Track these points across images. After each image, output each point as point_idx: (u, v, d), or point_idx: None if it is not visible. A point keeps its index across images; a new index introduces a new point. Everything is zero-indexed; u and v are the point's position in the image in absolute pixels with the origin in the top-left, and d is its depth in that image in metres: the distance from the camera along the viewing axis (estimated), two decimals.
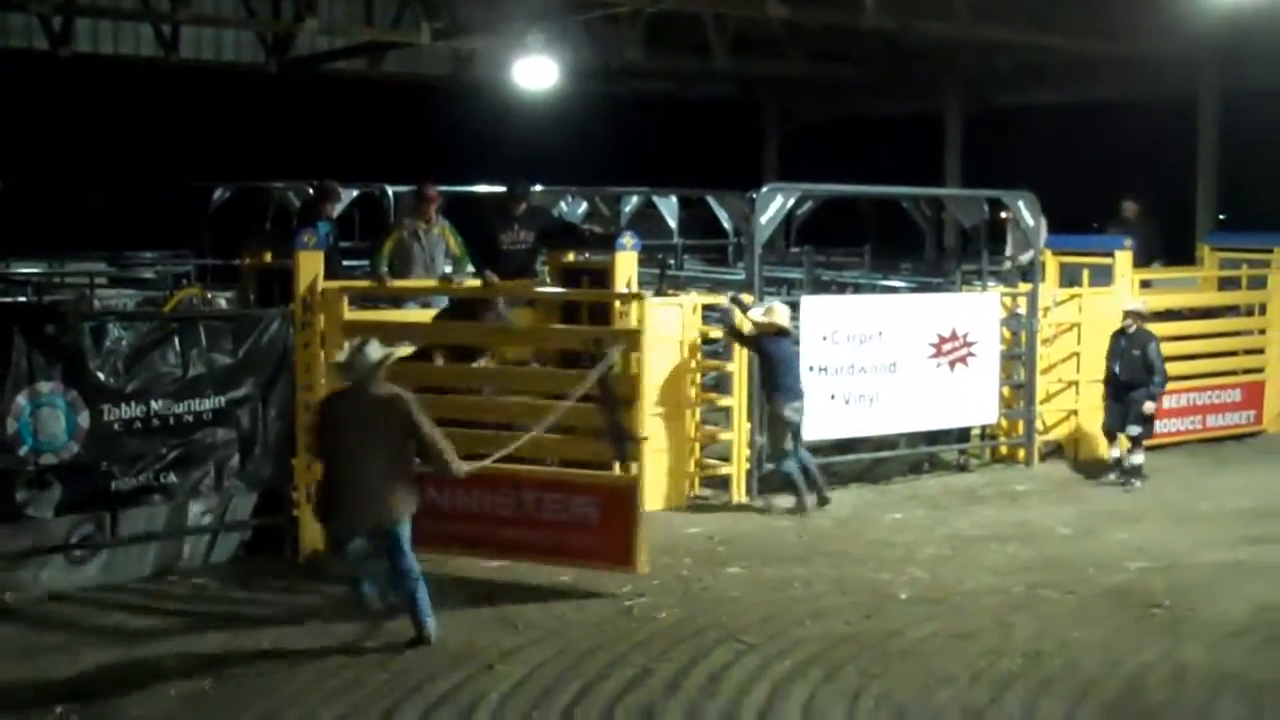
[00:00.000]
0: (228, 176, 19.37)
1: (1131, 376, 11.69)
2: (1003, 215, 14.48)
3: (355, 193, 16.38)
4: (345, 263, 13.44)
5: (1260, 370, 14.11)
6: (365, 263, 12.88)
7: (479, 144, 20.85)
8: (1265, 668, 7.09)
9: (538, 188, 12.30)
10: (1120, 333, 11.86)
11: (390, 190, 15.05)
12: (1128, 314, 11.88)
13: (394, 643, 7.35)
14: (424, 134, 21.41)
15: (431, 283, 11.06)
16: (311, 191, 13.28)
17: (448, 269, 11.42)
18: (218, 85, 21.02)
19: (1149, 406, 11.67)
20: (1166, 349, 13.53)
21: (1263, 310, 14.27)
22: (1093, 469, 12.04)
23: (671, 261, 17.44)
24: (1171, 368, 13.49)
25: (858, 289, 14.91)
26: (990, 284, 13.16)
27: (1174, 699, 6.65)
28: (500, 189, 11.57)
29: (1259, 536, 9.85)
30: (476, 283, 10.56)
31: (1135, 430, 11.66)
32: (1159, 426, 13.26)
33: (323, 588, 8.30)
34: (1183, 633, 7.66)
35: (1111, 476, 11.70)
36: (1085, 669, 7.03)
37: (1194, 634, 7.65)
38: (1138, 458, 11.64)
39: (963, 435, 12.36)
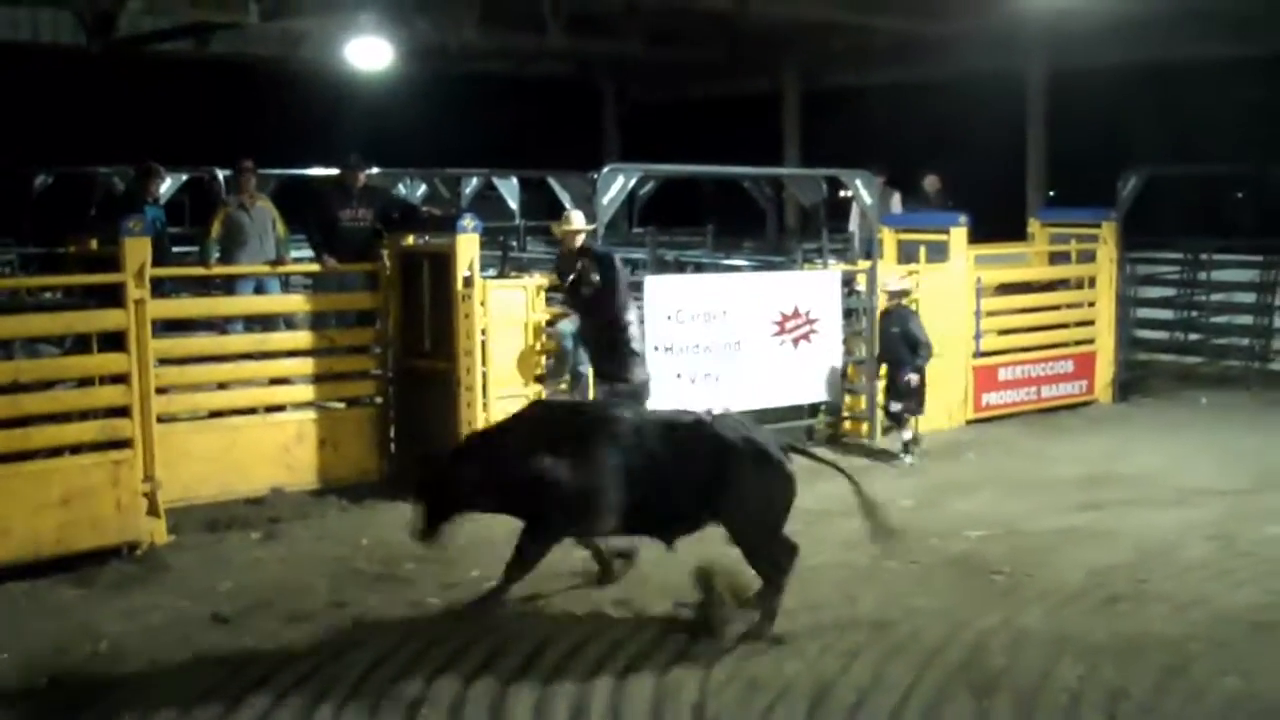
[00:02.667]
0: (50, 161, 18.64)
1: (894, 355, 11.77)
2: (841, 194, 14.65)
3: (184, 177, 15.89)
4: (175, 248, 13.06)
5: (1091, 341, 14.50)
6: (195, 249, 12.55)
7: (313, 126, 20.39)
8: (1100, 630, 7.25)
9: (375, 170, 12.06)
10: (885, 313, 11.97)
11: (220, 174, 14.61)
12: (887, 293, 11.97)
13: None
14: (256, 117, 20.87)
15: (262, 267, 10.82)
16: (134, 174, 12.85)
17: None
18: (37, 67, 20.20)
19: (913, 379, 11.65)
20: (1002, 322, 13.90)
21: (1092, 283, 14.67)
22: (932, 442, 12.22)
23: (513, 243, 17.30)
24: (1007, 341, 13.87)
25: (700, 268, 14.94)
26: (831, 262, 13.31)
27: (1015, 662, 6.76)
28: (333, 171, 11.38)
29: (1092, 503, 10.10)
30: (309, 266, 10.35)
31: (895, 406, 11.71)
32: (996, 398, 13.61)
33: None
34: (1022, 598, 7.81)
35: (908, 460, 11.59)
36: (930, 637, 7.11)
37: (1032, 599, 7.81)
38: (906, 433, 11.64)
39: (811, 411, 12.46)
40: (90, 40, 18.79)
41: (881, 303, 11.98)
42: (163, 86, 21.39)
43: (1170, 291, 17.34)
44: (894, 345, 11.76)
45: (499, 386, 10.41)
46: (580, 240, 10.60)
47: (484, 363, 10.36)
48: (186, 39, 19.10)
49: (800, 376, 11.77)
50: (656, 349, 10.86)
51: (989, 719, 6.16)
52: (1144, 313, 16.72)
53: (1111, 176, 15.24)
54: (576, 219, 10.64)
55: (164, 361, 9.70)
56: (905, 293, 12.07)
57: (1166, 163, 16.49)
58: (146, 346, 9.06)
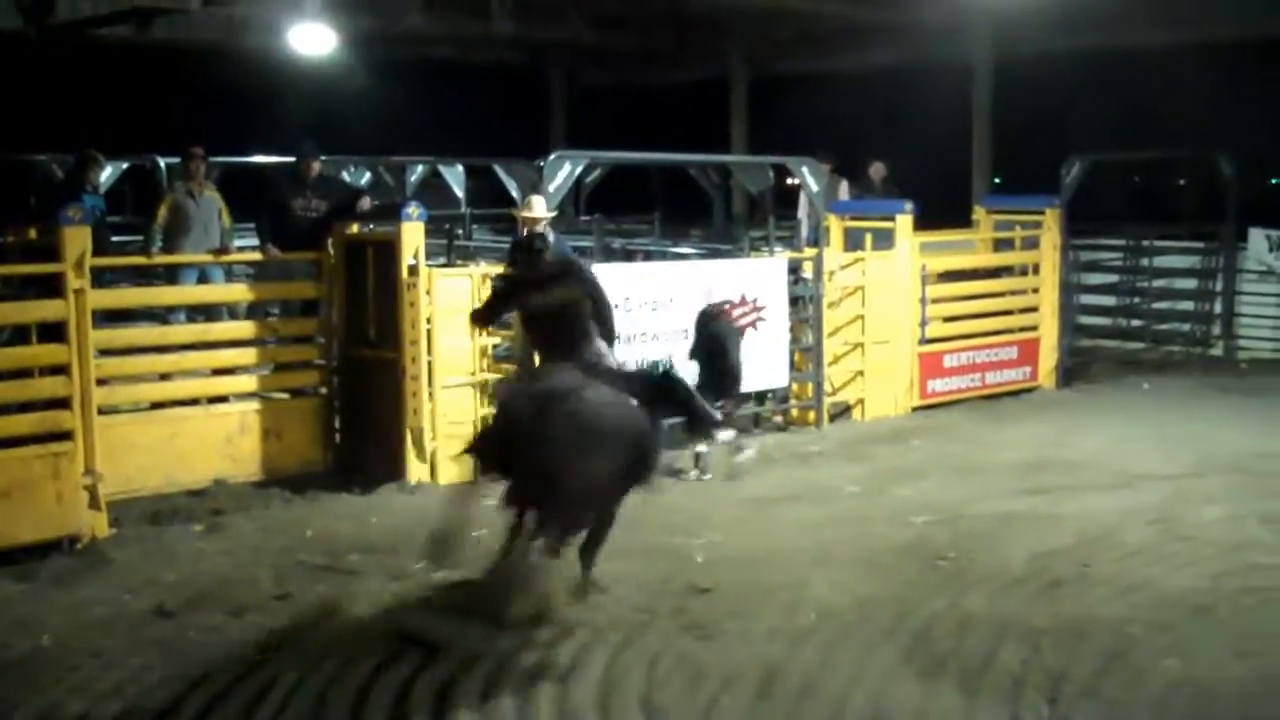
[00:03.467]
0: None
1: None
2: (790, 181, 14.66)
3: (125, 165, 15.69)
4: (116, 238, 12.92)
5: (1035, 328, 14.61)
6: (137, 238, 12.41)
7: (256, 113, 20.17)
8: (1043, 614, 7.29)
9: (324, 158, 11.95)
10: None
11: (162, 161, 14.44)
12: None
13: None
14: (198, 103, 20.56)
15: (205, 256, 10.73)
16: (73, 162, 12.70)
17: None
18: None
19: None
20: (947, 309, 13.98)
21: (1036, 270, 14.78)
22: (878, 429, 12.29)
23: (459, 231, 17.21)
24: (952, 328, 13.95)
25: (648, 256, 14.92)
26: (778, 249, 13.34)
27: (960, 646, 6.79)
28: (278, 159, 11.29)
29: (1036, 488, 10.18)
30: (253, 255, 10.28)
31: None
32: (942, 385, 13.69)
33: None
34: (966, 583, 7.86)
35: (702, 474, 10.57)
36: (877, 621, 7.14)
37: (977, 583, 7.85)
38: (701, 446, 10.54)
39: (759, 399, 12.49)
40: (28, 25, 18.48)
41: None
42: (103, 73, 21.08)
43: (1113, 278, 17.53)
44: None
45: (445, 375, 10.36)
46: (542, 228, 10.54)
47: (430, 352, 10.30)
48: (127, 24, 18.81)
49: (748, 364, 11.75)
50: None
51: (935, 702, 6.19)
52: (1087, 299, 16.89)
53: (1056, 163, 15.37)
54: (538, 205, 10.56)
55: (105, 352, 9.59)
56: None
57: (1110, 150, 16.63)
58: (87, 337, 8.94)
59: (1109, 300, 17.45)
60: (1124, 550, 8.56)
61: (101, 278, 9.93)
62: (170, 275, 11.17)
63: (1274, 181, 18.82)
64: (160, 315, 10.93)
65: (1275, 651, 6.75)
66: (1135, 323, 17.30)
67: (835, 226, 13.47)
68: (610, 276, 11.10)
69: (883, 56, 20.99)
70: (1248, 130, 17.42)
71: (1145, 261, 17.44)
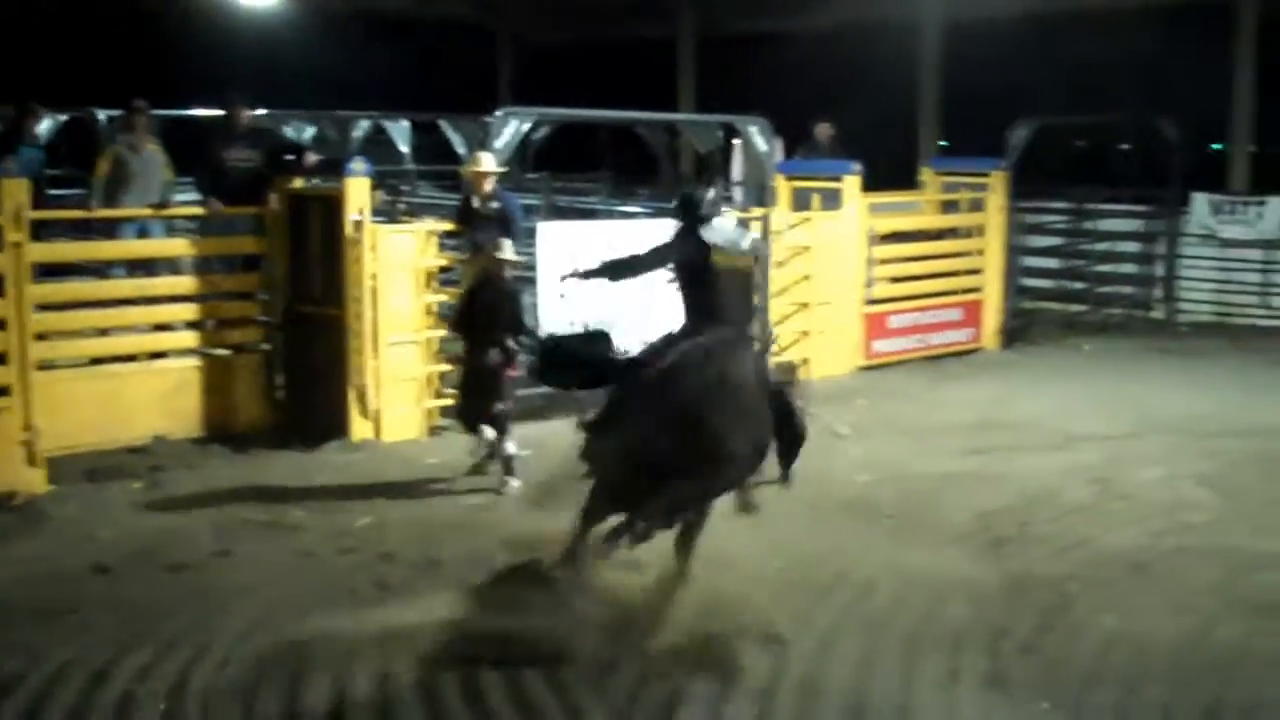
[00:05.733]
0: None
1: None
2: (734, 141, 14.63)
3: (63, 118, 15.43)
4: (54, 191, 12.72)
5: (979, 290, 14.69)
6: (77, 191, 12.22)
7: (199, 65, 19.83)
8: (985, 571, 7.39)
9: (262, 111, 11.81)
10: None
11: (102, 114, 14.21)
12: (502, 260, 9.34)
13: None
14: (140, 56, 20.26)
15: (145, 210, 10.58)
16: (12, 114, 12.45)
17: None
18: None
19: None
20: (893, 270, 14.02)
21: (981, 232, 14.85)
22: (823, 389, 12.32)
23: (405, 188, 17.06)
24: (897, 289, 14.00)
25: (596, 215, 14.86)
26: (725, 209, 13.29)
27: (903, 603, 6.86)
28: (221, 113, 11.15)
29: (978, 448, 10.26)
30: (194, 210, 10.15)
31: (500, 406, 9.12)
32: (887, 345, 13.75)
33: None
34: (910, 541, 7.93)
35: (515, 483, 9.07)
36: (820, 578, 7.18)
37: (920, 541, 7.93)
38: (509, 445, 9.14)
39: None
40: None
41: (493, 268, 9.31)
42: (43, 24, 20.73)
43: (1057, 241, 17.66)
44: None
45: (390, 333, 10.28)
46: (490, 184, 10.50)
47: (374, 309, 10.22)
48: None
49: None
50: (550, 296, 10.78)
51: (877, 657, 6.24)
52: (1031, 261, 17.01)
53: (1002, 126, 15.42)
54: (486, 160, 10.50)
55: (43, 307, 9.44)
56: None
57: (1056, 113, 16.72)
58: (25, 291, 8.82)
59: (1052, 263, 17.59)
60: (1064, 509, 8.66)
61: (40, 232, 9.77)
62: (109, 230, 11.00)
63: (1216, 147, 18.96)
64: (100, 270, 10.77)
65: (1210, 607, 6.86)
66: (1078, 285, 17.46)
67: (783, 187, 13.45)
68: (557, 234, 11.08)
69: (831, 17, 20.95)
70: (1191, 95, 17.54)
71: (1089, 225, 17.58)
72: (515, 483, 8.93)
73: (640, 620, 6.49)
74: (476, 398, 9.14)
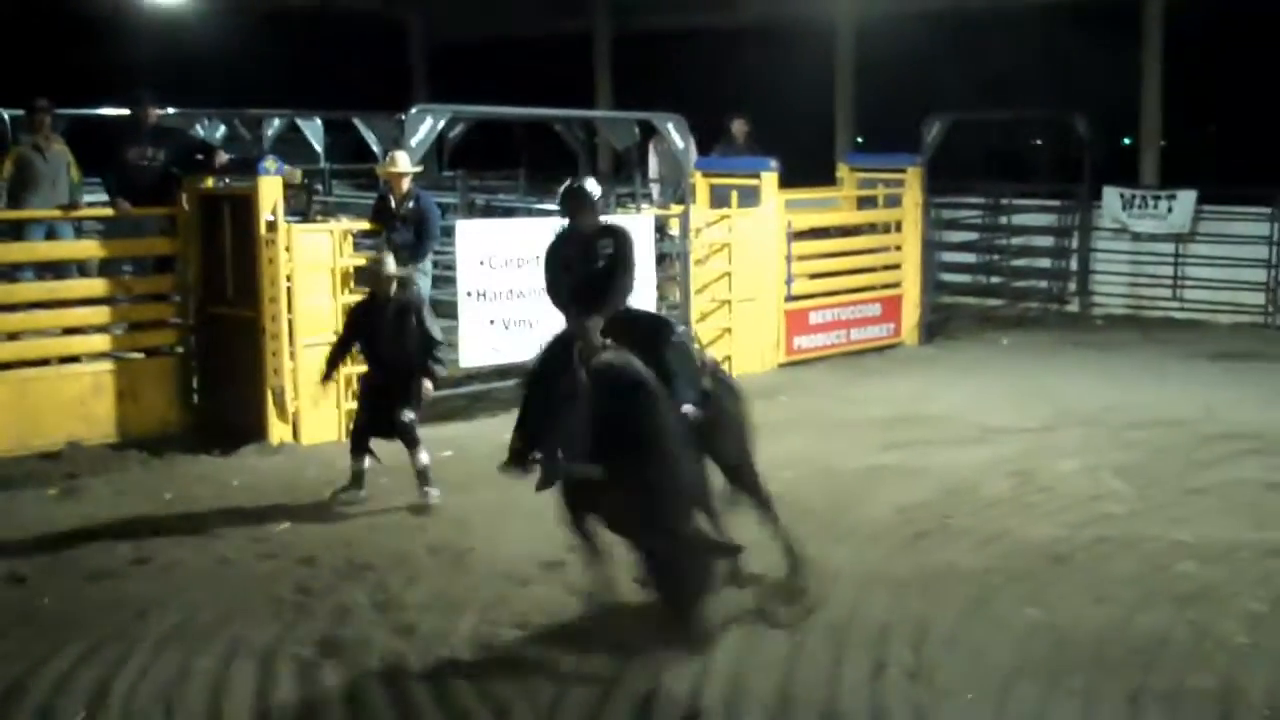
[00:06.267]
0: None
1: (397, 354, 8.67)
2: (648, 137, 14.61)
3: None
4: None
5: (897, 285, 14.81)
6: None
7: (107, 64, 19.48)
8: (907, 564, 7.44)
9: (171, 110, 11.60)
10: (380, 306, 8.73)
11: (5, 114, 13.89)
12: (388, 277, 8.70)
13: None
14: (46, 54, 19.85)
15: (53, 211, 10.36)
16: None
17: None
18: None
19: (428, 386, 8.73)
20: (812, 267, 14.08)
21: (898, 228, 14.96)
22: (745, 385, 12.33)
23: (319, 187, 16.85)
24: (816, 285, 14.07)
25: (513, 213, 14.79)
26: (644, 206, 13.31)
27: (827, 597, 6.86)
28: (127, 111, 10.93)
29: (899, 442, 10.32)
30: (103, 211, 9.95)
31: (408, 415, 8.60)
32: (807, 341, 13.80)
33: None
34: (833, 535, 7.93)
35: (434, 493, 8.63)
36: (743, 574, 7.17)
37: (843, 536, 7.95)
38: (422, 456, 8.64)
39: None
40: None
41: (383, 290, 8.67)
42: None
43: (973, 235, 17.85)
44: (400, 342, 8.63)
45: (306, 334, 10.16)
46: (406, 184, 10.41)
47: (290, 310, 10.09)
48: None
49: None
50: (469, 295, 10.73)
51: (803, 652, 6.24)
52: (948, 256, 17.17)
53: (917, 122, 15.55)
54: (402, 160, 10.41)
55: None
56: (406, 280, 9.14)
57: (970, 109, 16.89)
58: None
59: (969, 258, 17.78)
60: (984, 502, 8.74)
61: None
62: (16, 231, 10.75)
63: (1127, 141, 19.26)
64: (7, 273, 10.52)
65: (1129, 597, 6.94)
66: (994, 280, 17.66)
67: (700, 184, 13.47)
68: (474, 233, 11.01)
69: (747, 14, 21.01)
70: (1102, 90, 17.80)
71: (1004, 219, 17.78)
72: (435, 492, 8.55)
73: (567, 620, 6.44)
74: (375, 425, 8.64)
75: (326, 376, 9.07)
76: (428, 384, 8.65)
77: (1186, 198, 16.32)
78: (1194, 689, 5.88)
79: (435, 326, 8.73)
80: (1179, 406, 11.47)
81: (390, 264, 8.72)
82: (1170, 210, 16.40)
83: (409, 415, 8.57)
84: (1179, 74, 17.70)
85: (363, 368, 9.09)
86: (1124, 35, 17.89)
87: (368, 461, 8.73)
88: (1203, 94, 19.29)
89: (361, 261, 10.76)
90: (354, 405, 10.38)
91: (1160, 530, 8.08)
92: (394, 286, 8.62)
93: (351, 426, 9.18)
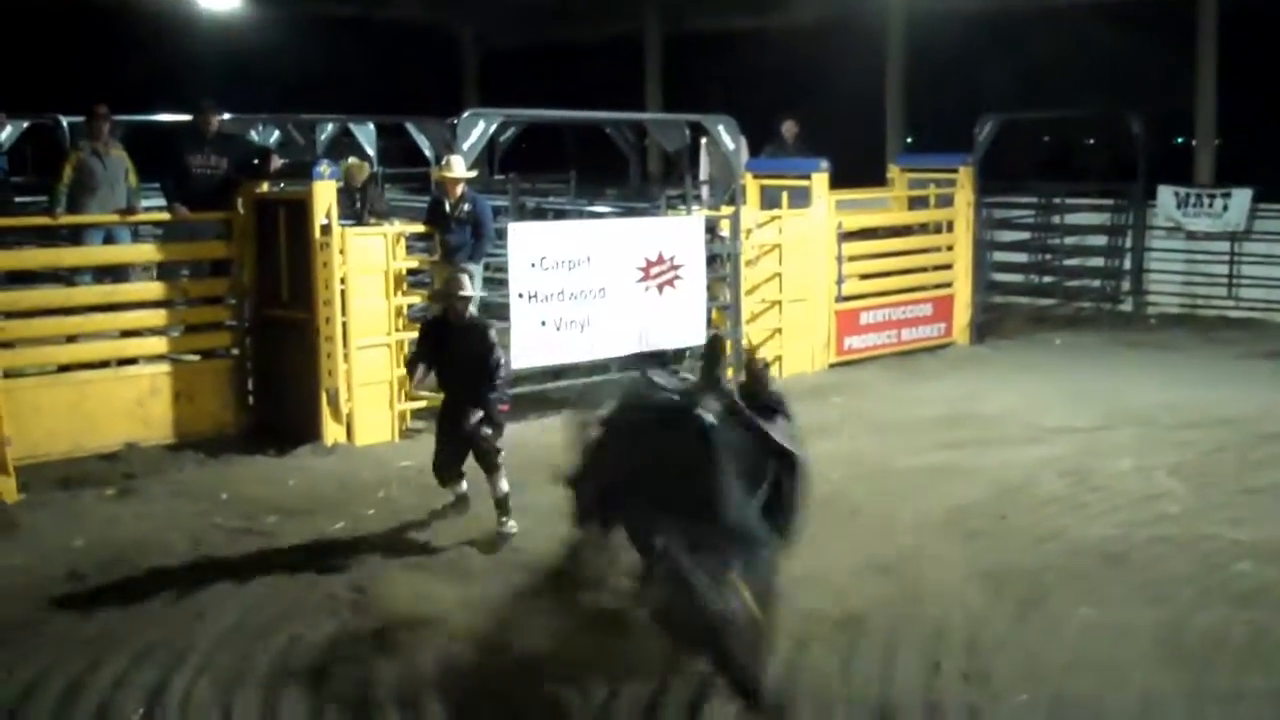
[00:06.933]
0: None
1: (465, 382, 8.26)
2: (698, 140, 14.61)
3: (25, 124, 15.28)
4: (19, 199, 12.60)
5: (949, 285, 14.74)
6: (40, 198, 12.10)
7: (162, 71, 19.72)
8: (961, 564, 7.40)
9: (226, 115, 11.71)
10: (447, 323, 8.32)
11: (65, 120, 14.07)
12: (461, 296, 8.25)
13: None
14: (102, 61, 20.10)
15: (111, 216, 10.48)
16: None
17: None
18: None
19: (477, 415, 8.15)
20: (863, 267, 14.05)
21: (950, 227, 14.89)
22: (796, 386, 12.33)
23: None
24: (868, 285, 14.03)
25: (563, 215, 14.83)
26: (695, 208, 13.32)
27: (879, 599, 6.84)
28: (185, 117, 11.06)
29: (951, 442, 10.28)
30: (160, 215, 10.07)
31: (485, 431, 8.18)
32: (858, 341, 13.76)
33: None
34: (884, 536, 7.91)
35: (510, 524, 8.13)
36: (790, 573, 7.14)
37: (894, 536, 7.92)
38: (502, 484, 8.18)
39: (676, 357, 12.47)
40: None
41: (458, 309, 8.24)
42: (3, 29, 20.52)
43: (1025, 235, 17.72)
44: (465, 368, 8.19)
45: (359, 336, 10.24)
46: (461, 188, 10.48)
47: (344, 312, 10.17)
48: None
49: (665, 322, 11.75)
50: (520, 296, 10.77)
51: (857, 653, 6.24)
52: (1000, 256, 17.06)
53: (969, 122, 15.47)
54: (457, 165, 10.46)
55: (9, 315, 9.36)
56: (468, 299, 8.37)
57: (1022, 108, 16.79)
58: None
59: (1021, 257, 17.65)
60: (1038, 501, 8.70)
61: (4, 239, 9.67)
62: (75, 236, 10.90)
63: (1181, 140, 19.09)
64: (66, 277, 10.67)
65: (1186, 597, 6.89)
66: (1047, 279, 17.53)
67: (752, 185, 13.46)
68: (526, 236, 11.06)
69: (796, 14, 20.95)
70: (1156, 89, 17.65)
71: (1056, 219, 17.65)
72: (512, 524, 8.05)
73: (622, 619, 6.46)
74: (452, 447, 8.23)
75: (414, 385, 8.65)
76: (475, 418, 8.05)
77: (1242, 196, 16.16)
78: (1253, 690, 5.83)
79: (503, 354, 8.33)
80: (1234, 406, 11.36)
81: (466, 284, 8.30)
82: (1225, 209, 16.24)
83: (486, 431, 8.09)
84: (1234, 71, 17.50)
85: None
86: (1179, 33, 17.72)
87: (464, 484, 8.37)
88: (1258, 91, 19.06)
89: (414, 264, 10.87)
90: (406, 405, 10.51)
91: (1216, 530, 8.01)
92: (469, 307, 8.28)
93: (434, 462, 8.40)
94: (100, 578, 7.33)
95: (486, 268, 11.27)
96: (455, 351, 8.10)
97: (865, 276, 14.06)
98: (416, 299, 10.72)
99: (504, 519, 8.08)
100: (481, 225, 10.69)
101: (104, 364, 10.15)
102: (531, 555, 7.55)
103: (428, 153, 18.04)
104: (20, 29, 20.70)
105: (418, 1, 22.59)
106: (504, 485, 8.13)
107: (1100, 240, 17.33)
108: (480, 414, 8.06)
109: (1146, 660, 6.11)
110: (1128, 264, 17.04)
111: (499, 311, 10.91)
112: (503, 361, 8.21)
